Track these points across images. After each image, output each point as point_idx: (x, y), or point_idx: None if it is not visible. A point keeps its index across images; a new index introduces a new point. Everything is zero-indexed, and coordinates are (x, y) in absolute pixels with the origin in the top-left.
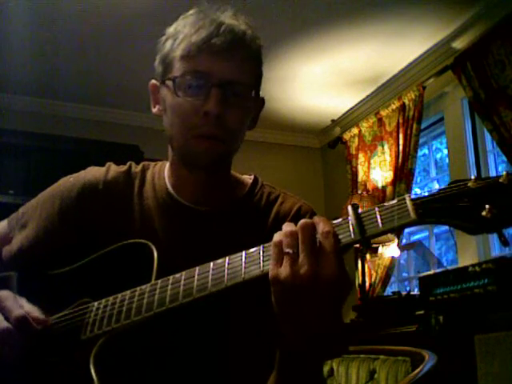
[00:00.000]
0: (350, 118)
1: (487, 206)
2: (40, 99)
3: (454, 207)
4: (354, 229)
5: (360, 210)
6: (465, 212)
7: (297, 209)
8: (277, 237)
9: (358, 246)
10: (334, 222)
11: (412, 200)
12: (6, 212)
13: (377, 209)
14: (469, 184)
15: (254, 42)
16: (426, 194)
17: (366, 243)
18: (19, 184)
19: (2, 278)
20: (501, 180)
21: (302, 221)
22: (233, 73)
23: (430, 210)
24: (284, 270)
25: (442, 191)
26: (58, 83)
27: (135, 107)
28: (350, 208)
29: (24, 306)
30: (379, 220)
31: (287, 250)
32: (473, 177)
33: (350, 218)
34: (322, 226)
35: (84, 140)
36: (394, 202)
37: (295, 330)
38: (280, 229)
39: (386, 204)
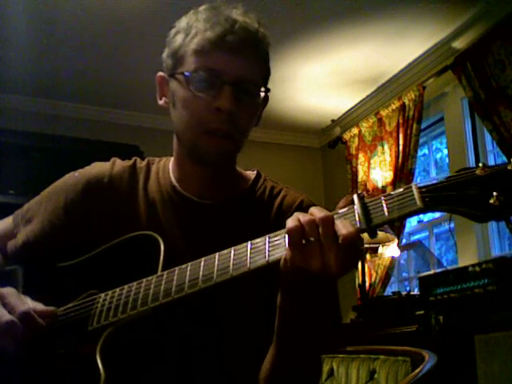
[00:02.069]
0: (349, 118)
1: (495, 194)
2: (40, 99)
3: (461, 195)
4: (359, 218)
5: (366, 200)
6: (472, 200)
7: (299, 202)
8: (295, 222)
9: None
10: (340, 211)
11: (419, 188)
12: (6, 212)
13: (383, 198)
14: (476, 171)
15: (264, 40)
16: (433, 182)
17: (372, 233)
18: (19, 184)
19: (7, 272)
20: (509, 167)
21: (323, 214)
22: (245, 71)
23: (437, 199)
24: (314, 260)
25: (449, 179)
26: (57, 83)
27: (135, 107)
28: (355, 197)
29: (28, 303)
30: (385, 209)
31: (311, 239)
32: (480, 164)
33: (355, 207)
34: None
35: (84, 140)
36: (401, 190)
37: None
38: (283, 221)
39: (392, 193)
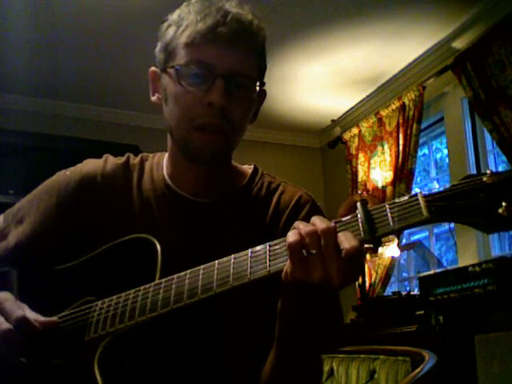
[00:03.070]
0: (349, 118)
1: (504, 204)
2: (40, 99)
3: (469, 204)
4: (363, 227)
5: (369, 207)
6: (480, 209)
7: (297, 198)
8: (295, 236)
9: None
10: (343, 219)
11: (424, 197)
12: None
13: (387, 206)
14: (484, 179)
15: (259, 33)
16: (439, 189)
17: (377, 242)
18: (19, 184)
19: (0, 274)
20: None
21: (325, 225)
22: (238, 64)
23: (443, 208)
24: (316, 273)
25: (456, 187)
26: (57, 83)
27: (135, 107)
28: (359, 204)
29: (26, 311)
30: (390, 218)
31: (312, 251)
32: (488, 171)
33: (359, 215)
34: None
35: (84, 140)
36: (406, 198)
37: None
38: (281, 219)
39: (396, 201)
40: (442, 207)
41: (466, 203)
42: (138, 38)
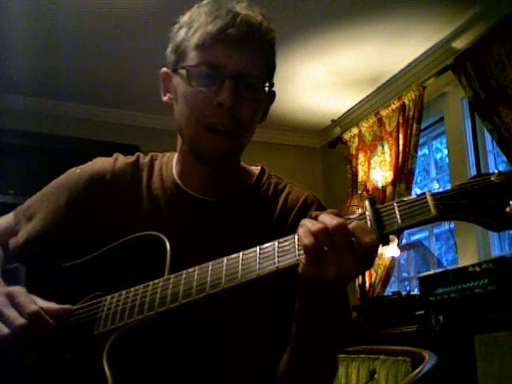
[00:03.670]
0: (349, 118)
1: (511, 202)
2: (40, 99)
3: (477, 203)
4: (371, 225)
5: (378, 205)
6: (488, 208)
7: (304, 198)
8: (310, 238)
9: None
10: (351, 217)
11: (433, 195)
12: (6, 212)
13: (395, 204)
14: (492, 178)
15: (268, 34)
16: (448, 188)
17: (384, 240)
18: (19, 184)
19: (9, 270)
20: None
21: (335, 222)
22: (247, 65)
23: (451, 206)
24: (329, 270)
25: (464, 186)
26: (58, 83)
27: (135, 107)
28: (367, 202)
29: (38, 302)
30: (398, 216)
31: (326, 248)
32: (495, 171)
33: (367, 213)
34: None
35: (84, 140)
36: (414, 197)
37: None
38: (287, 219)
39: (405, 199)
40: (450, 206)
41: (474, 202)
42: (137, 38)
